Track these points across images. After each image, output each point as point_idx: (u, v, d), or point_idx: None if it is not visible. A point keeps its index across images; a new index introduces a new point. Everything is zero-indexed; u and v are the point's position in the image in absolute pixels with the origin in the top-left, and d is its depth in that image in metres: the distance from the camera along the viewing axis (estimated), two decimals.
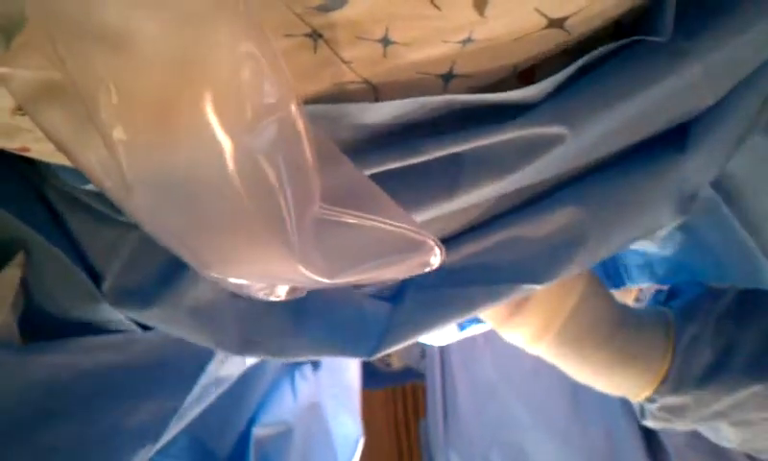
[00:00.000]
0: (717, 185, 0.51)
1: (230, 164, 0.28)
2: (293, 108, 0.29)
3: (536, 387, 0.93)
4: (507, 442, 0.99)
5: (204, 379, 0.61)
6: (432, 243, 0.37)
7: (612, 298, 0.62)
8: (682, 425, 0.64)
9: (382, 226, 0.36)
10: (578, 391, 0.86)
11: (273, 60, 0.28)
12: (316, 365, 0.86)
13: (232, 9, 0.26)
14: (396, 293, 0.56)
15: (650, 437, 0.82)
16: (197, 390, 0.61)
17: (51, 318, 0.56)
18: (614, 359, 0.60)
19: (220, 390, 0.65)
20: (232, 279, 0.35)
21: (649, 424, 0.65)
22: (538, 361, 0.62)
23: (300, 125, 0.30)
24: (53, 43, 0.25)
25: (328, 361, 0.89)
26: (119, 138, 0.27)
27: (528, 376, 0.93)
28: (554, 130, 0.42)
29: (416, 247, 0.37)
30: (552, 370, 0.63)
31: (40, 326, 0.56)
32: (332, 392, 0.88)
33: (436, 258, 0.37)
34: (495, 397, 1.00)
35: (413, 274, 0.39)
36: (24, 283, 0.55)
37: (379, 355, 0.54)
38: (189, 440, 0.69)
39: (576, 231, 0.48)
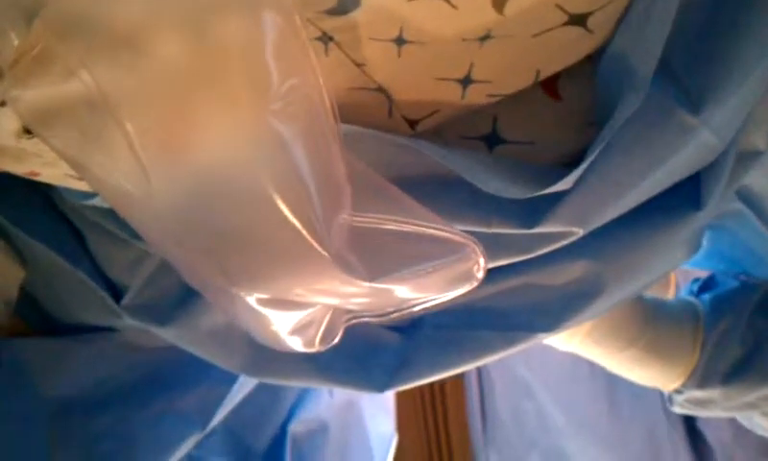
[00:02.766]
0: (741, 196, 0.49)
1: (257, 151, 0.26)
2: (319, 91, 0.27)
3: (572, 391, 0.89)
4: (547, 446, 0.97)
5: None
6: (474, 246, 0.33)
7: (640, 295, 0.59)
8: (709, 414, 0.63)
9: (421, 229, 0.33)
10: (615, 393, 0.83)
11: (298, 42, 0.26)
12: None
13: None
14: (411, 325, 0.53)
15: (694, 434, 0.80)
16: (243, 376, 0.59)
17: (70, 326, 0.56)
18: (643, 355, 0.58)
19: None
20: (265, 310, 0.32)
21: (677, 410, 0.63)
22: (572, 365, 0.61)
23: (327, 105, 0.28)
24: (77, 52, 0.24)
25: None
26: (144, 141, 0.26)
27: (564, 381, 0.89)
28: (569, 229, 0.41)
29: (457, 250, 0.33)
30: (587, 373, 0.62)
31: (61, 332, 0.56)
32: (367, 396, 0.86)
33: (479, 266, 0.34)
34: (532, 397, 0.97)
35: (457, 288, 0.35)
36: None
37: (391, 391, 0.52)
38: (227, 434, 0.67)
39: (592, 283, 0.46)
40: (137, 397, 0.56)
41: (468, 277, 0.34)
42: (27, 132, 0.33)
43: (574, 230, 0.41)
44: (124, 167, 0.27)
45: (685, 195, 0.44)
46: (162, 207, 0.28)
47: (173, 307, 0.51)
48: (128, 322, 0.53)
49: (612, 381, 0.63)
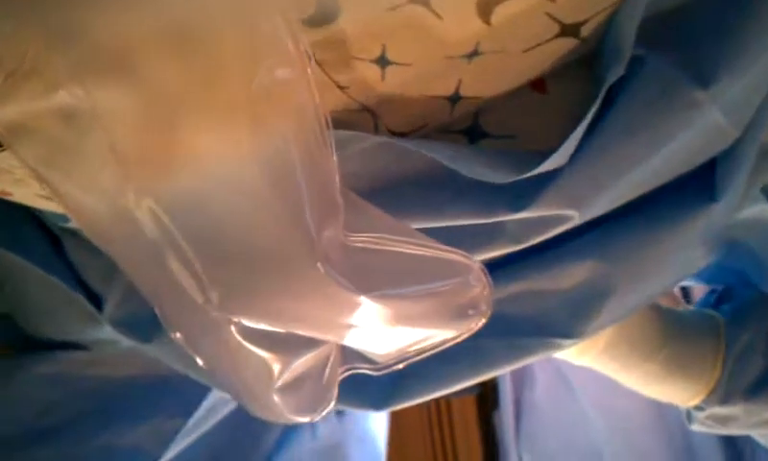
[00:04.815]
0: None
1: (249, 152, 0.25)
2: (311, 93, 0.26)
3: (614, 396, 0.86)
4: (584, 450, 0.93)
5: (213, 397, 0.57)
6: (479, 270, 0.31)
7: (659, 306, 0.57)
8: (729, 432, 0.60)
9: (420, 250, 0.30)
10: (661, 405, 0.82)
11: (294, 45, 0.25)
12: (340, 411, 0.79)
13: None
14: None
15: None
16: (204, 408, 0.57)
17: (51, 341, 0.55)
18: (663, 370, 0.56)
19: (232, 406, 0.61)
20: (250, 345, 0.29)
21: (696, 428, 0.61)
22: None
23: (318, 107, 0.27)
24: (66, 64, 0.23)
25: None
26: (129, 152, 0.25)
27: (606, 384, 0.85)
28: (564, 212, 0.38)
29: (460, 273, 0.31)
30: None
31: (40, 346, 0.55)
32: (357, 435, 0.81)
33: (485, 293, 0.32)
34: (573, 397, 0.93)
35: (460, 322, 0.32)
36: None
37: (389, 410, 0.49)
38: None
39: (600, 286, 0.43)
40: (82, 428, 0.54)
41: (473, 306, 0.32)
42: None
43: (568, 213, 0.37)
44: (103, 182, 0.26)
45: (699, 187, 0.41)
46: (142, 222, 0.26)
47: (152, 322, 0.47)
48: (107, 333, 0.51)
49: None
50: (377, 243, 0.30)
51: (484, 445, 1.14)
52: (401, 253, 0.30)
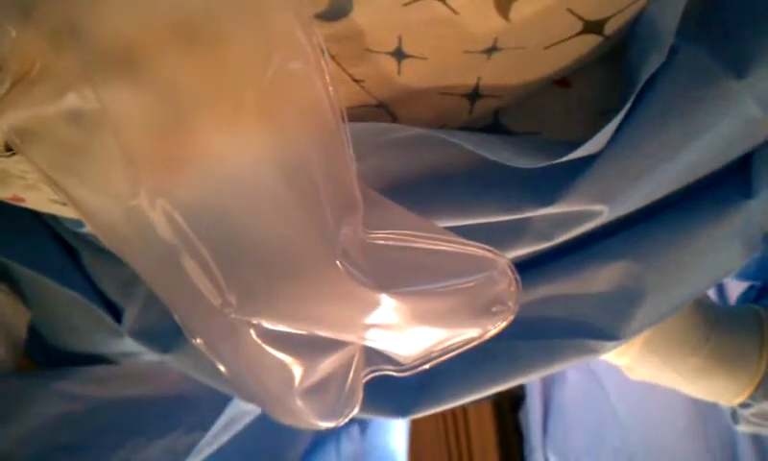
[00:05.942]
0: None
1: (261, 150, 0.25)
2: (325, 84, 0.26)
3: (647, 397, 0.84)
4: (613, 452, 0.91)
5: (230, 411, 0.57)
6: (505, 264, 0.30)
7: (700, 299, 0.55)
8: None
9: (442, 245, 0.30)
10: (698, 407, 0.78)
11: (308, 40, 0.24)
12: (363, 426, 0.80)
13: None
14: None
15: None
16: (221, 423, 0.57)
17: (74, 354, 0.55)
18: (706, 366, 0.54)
19: (248, 419, 0.61)
20: (271, 349, 0.29)
21: (742, 428, 0.59)
22: None
23: (334, 100, 0.26)
24: (74, 66, 0.23)
25: (375, 422, 0.82)
26: (139, 153, 0.24)
27: (639, 387, 0.83)
28: (593, 207, 0.37)
29: (484, 268, 0.30)
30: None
31: (62, 358, 0.55)
32: (378, 454, 0.82)
33: (512, 288, 0.31)
34: (605, 397, 0.91)
35: (485, 319, 0.31)
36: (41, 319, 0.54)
37: (417, 415, 0.47)
38: None
39: (633, 287, 0.42)
40: (100, 445, 0.54)
41: (498, 301, 0.31)
42: (8, 149, 0.32)
43: (597, 208, 0.36)
44: (115, 183, 0.25)
45: (734, 183, 0.40)
46: (156, 224, 0.26)
47: (172, 332, 0.48)
48: (129, 345, 0.51)
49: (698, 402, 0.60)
50: (398, 239, 0.29)
51: (500, 452, 1.13)
52: (423, 249, 0.29)
